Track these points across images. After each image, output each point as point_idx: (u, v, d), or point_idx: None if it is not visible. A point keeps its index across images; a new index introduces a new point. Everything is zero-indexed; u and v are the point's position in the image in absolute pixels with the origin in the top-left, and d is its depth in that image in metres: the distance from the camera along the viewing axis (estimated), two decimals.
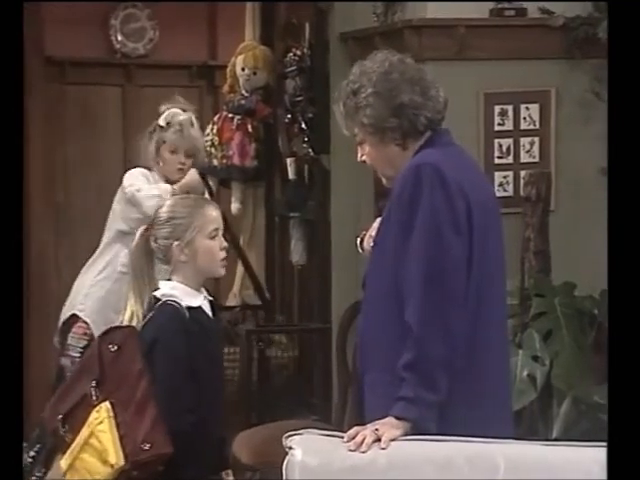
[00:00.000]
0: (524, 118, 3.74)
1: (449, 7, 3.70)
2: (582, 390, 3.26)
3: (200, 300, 2.45)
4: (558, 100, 3.74)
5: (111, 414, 2.27)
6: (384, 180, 2.26)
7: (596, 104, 3.68)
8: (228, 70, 4.72)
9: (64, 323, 3.50)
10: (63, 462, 2.32)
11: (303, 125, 4.42)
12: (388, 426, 2.03)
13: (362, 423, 2.08)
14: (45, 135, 5.38)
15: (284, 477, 1.98)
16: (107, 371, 2.33)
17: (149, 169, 3.54)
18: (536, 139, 3.74)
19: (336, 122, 4.24)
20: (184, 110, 3.60)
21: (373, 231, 2.25)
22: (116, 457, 2.25)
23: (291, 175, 4.53)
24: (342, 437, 2.04)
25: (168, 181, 3.53)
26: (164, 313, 2.40)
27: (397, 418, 2.03)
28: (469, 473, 1.96)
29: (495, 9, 3.74)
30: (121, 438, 2.26)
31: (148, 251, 2.48)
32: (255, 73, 4.63)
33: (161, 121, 3.56)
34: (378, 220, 2.25)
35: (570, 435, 3.09)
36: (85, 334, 3.45)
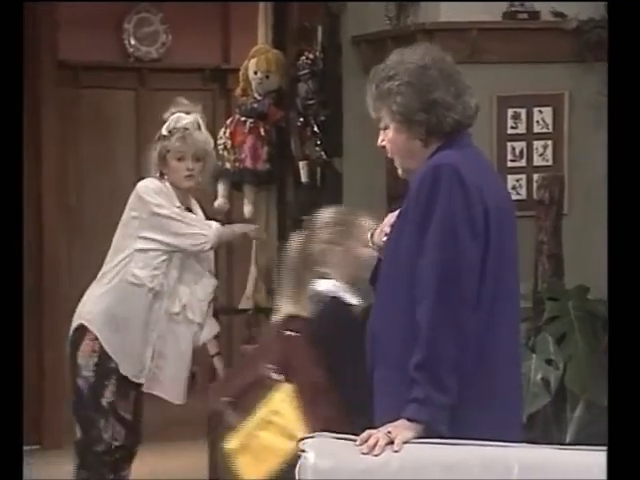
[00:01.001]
0: (537, 121, 3.73)
1: (462, 10, 3.71)
2: (595, 394, 3.25)
3: (354, 299, 2.62)
4: (571, 103, 3.74)
5: (292, 394, 2.32)
6: (399, 170, 2.25)
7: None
8: (240, 73, 4.73)
9: (73, 333, 3.41)
10: (231, 443, 2.35)
11: (315, 128, 4.42)
12: (400, 428, 2.03)
13: (372, 423, 2.08)
14: (58, 138, 5.41)
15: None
16: (284, 356, 2.40)
17: (161, 177, 3.46)
18: (549, 142, 3.74)
19: (349, 125, 4.31)
20: (188, 113, 3.49)
21: (385, 226, 2.25)
22: (303, 431, 2.26)
23: (303, 178, 4.54)
24: (355, 440, 2.04)
25: (178, 189, 3.45)
26: (336, 306, 2.57)
27: (409, 420, 2.03)
28: (482, 476, 1.95)
29: (508, 12, 3.75)
30: None
31: (307, 253, 2.64)
32: (267, 76, 4.63)
33: (164, 130, 3.47)
34: (390, 215, 2.25)
35: (584, 439, 3.08)
36: (94, 351, 3.35)
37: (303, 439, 2.03)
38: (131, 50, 5.50)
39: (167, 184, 3.44)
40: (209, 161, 3.53)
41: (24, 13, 2.17)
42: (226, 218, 5.19)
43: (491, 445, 2.00)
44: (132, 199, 3.49)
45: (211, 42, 5.62)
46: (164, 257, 3.39)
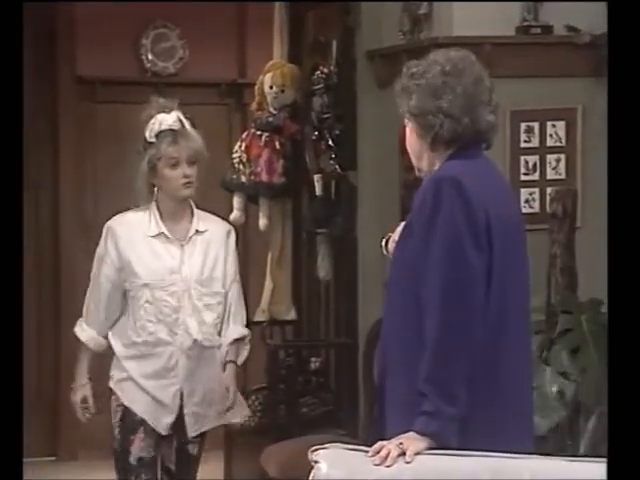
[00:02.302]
0: (550, 135, 3.74)
1: (475, 25, 3.73)
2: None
3: None
4: (584, 117, 3.75)
5: None
6: (416, 169, 2.28)
7: None
8: (256, 88, 4.76)
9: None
10: None
11: (330, 142, 4.45)
12: (412, 440, 2.04)
13: (384, 435, 2.10)
14: (76, 153, 5.46)
15: None
16: None
17: (150, 192, 3.03)
18: (562, 156, 3.75)
19: (363, 139, 4.33)
20: (167, 112, 3.05)
21: (396, 235, 2.27)
22: None
23: (318, 191, 4.56)
24: (367, 451, 2.06)
25: (173, 201, 3.04)
26: None
27: (419, 433, 2.05)
28: None
29: (521, 27, 3.76)
30: None
31: None
32: (283, 91, 4.66)
33: (148, 135, 3.00)
34: (402, 224, 2.27)
35: (598, 451, 3.08)
36: (119, 405, 3.07)
37: (316, 450, 2.05)
38: (148, 65, 5.55)
39: (155, 211, 3.04)
40: (203, 163, 3.06)
41: (37, 23, 2.18)
42: (242, 231, 5.23)
43: (502, 456, 2.01)
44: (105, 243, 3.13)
45: (227, 57, 5.66)
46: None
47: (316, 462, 2.02)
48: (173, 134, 3.02)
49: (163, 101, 3.11)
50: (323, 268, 4.56)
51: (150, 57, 5.55)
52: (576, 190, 3.67)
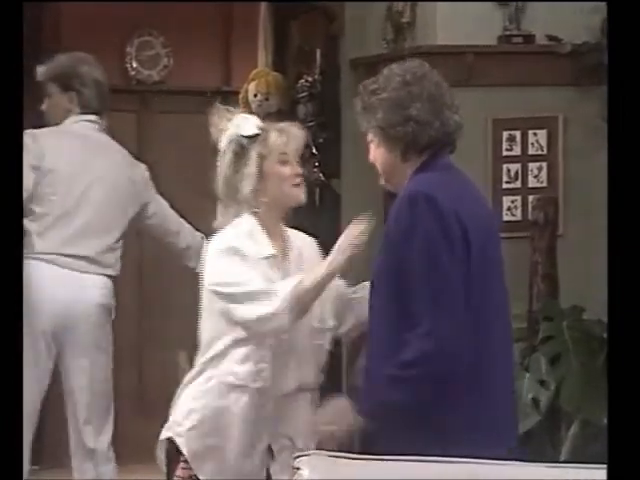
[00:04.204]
0: (532, 144, 3.78)
1: (458, 34, 3.76)
2: (590, 413, 3.27)
3: None
4: (565, 126, 3.78)
5: None
6: (381, 181, 2.30)
7: (604, 130, 3.71)
8: (241, 96, 4.78)
9: (165, 444, 2.53)
10: None
11: (314, 150, 4.47)
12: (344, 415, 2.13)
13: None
14: None
15: None
16: None
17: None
18: (544, 164, 3.78)
19: (347, 147, 4.36)
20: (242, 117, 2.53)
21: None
22: None
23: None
24: (350, 457, 2.07)
25: (283, 207, 2.47)
26: None
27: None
28: None
29: (503, 36, 3.80)
30: None
31: None
32: (267, 99, 4.68)
33: (247, 129, 2.45)
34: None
35: (578, 458, 3.10)
36: (190, 477, 2.47)
37: (298, 457, 2.06)
38: (133, 73, 5.55)
39: (256, 223, 2.45)
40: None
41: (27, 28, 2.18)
42: None
43: (482, 463, 2.03)
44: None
45: (212, 65, 5.68)
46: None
47: (298, 469, 2.03)
48: (278, 126, 2.51)
49: (230, 108, 2.60)
50: None
51: (134, 65, 5.55)
52: (557, 198, 3.70)
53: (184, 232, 3.81)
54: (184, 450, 2.46)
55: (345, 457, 2.07)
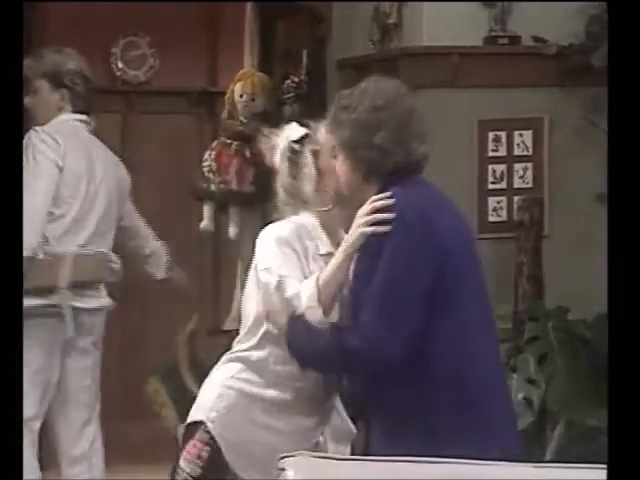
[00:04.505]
0: (517, 144, 3.79)
1: (444, 35, 3.77)
2: (576, 413, 3.29)
3: None
4: (551, 127, 3.80)
5: None
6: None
7: (589, 131, 3.73)
8: (226, 97, 4.78)
9: (187, 426, 2.52)
10: None
11: None
12: None
13: None
14: None
15: None
16: None
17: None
18: (529, 165, 3.79)
19: None
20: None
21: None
22: None
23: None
24: (335, 458, 2.07)
25: (334, 220, 2.45)
26: None
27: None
28: None
29: (489, 37, 3.81)
30: None
31: None
32: (253, 99, 4.68)
33: (293, 134, 2.53)
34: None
35: (564, 458, 3.11)
36: (199, 457, 2.47)
37: (283, 457, 2.06)
38: (119, 73, 5.54)
39: (309, 217, 2.46)
40: None
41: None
42: (212, 240, 5.22)
43: (467, 463, 2.03)
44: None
45: (198, 66, 5.67)
46: None
47: (283, 469, 2.03)
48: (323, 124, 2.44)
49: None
50: None
51: (120, 65, 5.54)
52: (543, 199, 3.71)
53: (150, 237, 3.82)
54: (213, 429, 2.46)
55: (330, 457, 2.07)
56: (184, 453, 2.50)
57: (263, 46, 4.89)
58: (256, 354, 2.47)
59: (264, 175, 4.79)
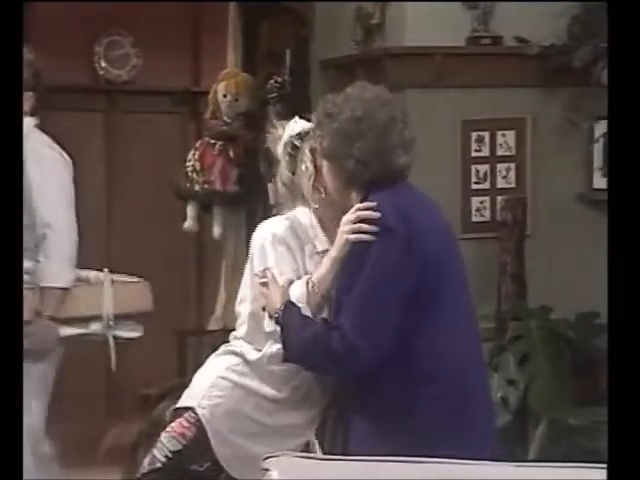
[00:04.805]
0: (500, 144, 3.80)
1: (427, 35, 3.77)
2: (558, 412, 3.30)
3: None
4: (534, 127, 3.81)
5: None
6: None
7: (571, 132, 3.75)
8: (210, 97, 4.77)
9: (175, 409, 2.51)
10: None
11: None
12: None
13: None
14: None
15: None
16: None
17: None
18: (512, 165, 3.81)
19: None
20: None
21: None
22: None
23: (272, 200, 4.57)
24: (319, 458, 2.08)
25: (329, 209, 2.42)
26: None
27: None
28: None
29: (471, 37, 3.82)
30: None
31: None
32: (237, 100, 4.68)
33: (295, 129, 2.51)
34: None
35: (546, 457, 3.13)
36: (183, 435, 2.44)
37: (267, 458, 2.06)
38: (101, 73, 5.52)
39: (313, 217, 2.46)
40: None
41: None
42: (196, 240, 5.21)
43: (451, 462, 2.04)
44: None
45: (181, 65, 5.66)
46: None
47: (267, 470, 2.03)
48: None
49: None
50: None
51: (103, 64, 5.52)
52: (526, 199, 3.73)
53: None
54: (203, 416, 2.44)
55: (314, 458, 2.08)
56: (168, 429, 2.48)
57: (246, 46, 4.89)
58: (252, 352, 2.47)
59: (247, 175, 4.80)
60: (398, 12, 3.87)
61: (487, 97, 3.78)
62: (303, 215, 2.45)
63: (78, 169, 5.64)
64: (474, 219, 3.77)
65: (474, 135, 3.79)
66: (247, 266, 2.53)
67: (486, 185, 3.80)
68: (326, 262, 2.31)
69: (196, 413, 2.46)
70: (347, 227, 2.22)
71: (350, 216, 2.21)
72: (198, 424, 2.46)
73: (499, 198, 3.74)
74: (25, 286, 2.86)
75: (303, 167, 2.44)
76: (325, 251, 2.43)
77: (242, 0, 4.78)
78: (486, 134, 3.79)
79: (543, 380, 3.33)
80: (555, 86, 3.77)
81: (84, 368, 4.96)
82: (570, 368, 3.39)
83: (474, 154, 3.80)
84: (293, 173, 2.47)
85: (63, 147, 5.63)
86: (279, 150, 2.54)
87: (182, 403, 2.52)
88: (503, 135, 3.80)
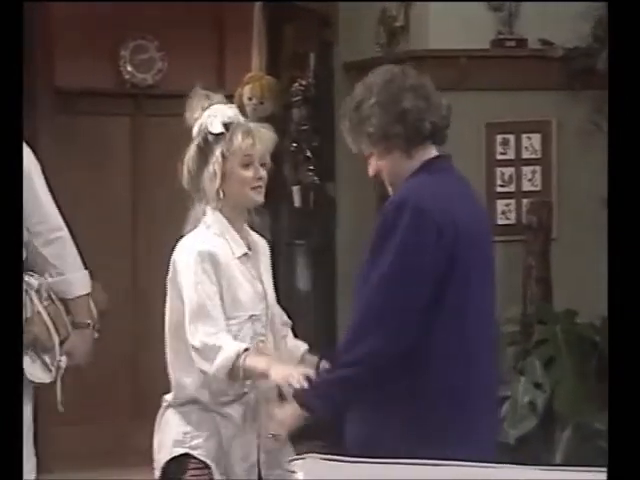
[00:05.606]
0: (526, 147, 3.79)
1: (450, 38, 3.77)
2: (584, 416, 3.28)
3: None
4: (559, 130, 3.80)
5: None
6: (389, 190, 2.28)
7: (596, 134, 3.73)
8: (235, 100, 4.79)
9: (169, 462, 2.38)
10: None
11: (308, 153, 4.49)
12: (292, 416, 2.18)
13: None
14: (55, 165, 5.45)
15: None
16: None
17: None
18: (538, 168, 3.80)
19: (341, 150, 4.38)
20: (223, 103, 2.46)
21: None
22: None
23: (297, 203, 4.59)
24: (344, 460, 2.08)
25: (240, 209, 2.41)
26: None
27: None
28: None
29: (496, 40, 3.81)
30: None
31: None
32: (261, 102, 4.69)
33: (213, 126, 2.38)
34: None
35: (572, 461, 3.11)
36: None
37: (292, 460, 2.07)
38: (127, 77, 5.56)
39: (220, 220, 2.40)
40: (268, 168, 2.46)
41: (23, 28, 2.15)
42: None
43: (475, 466, 2.03)
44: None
45: (206, 69, 5.68)
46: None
47: (293, 472, 2.04)
48: (246, 127, 2.40)
49: (210, 93, 2.48)
50: (302, 279, 4.58)
51: (129, 68, 5.56)
52: (551, 202, 3.71)
53: None
54: (202, 456, 2.37)
55: (339, 460, 2.08)
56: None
57: (271, 49, 4.91)
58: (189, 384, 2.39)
59: (272, 178, 4.81)
60: (422, 14, 3.87)
61: (511, 100, 3.77)
62: (217, 220, 2.38)
63: (104, 172, 5.70)
64: (499, 222, 3.76)
65: (499, 138, 3.78)
66: (170, 281, 2.42)
67: (511, 188, 3.79)
68: (264, 368, 2.28)
69: (196, 457, 2.37)
70: (286, 377, 2.21)
71: (290, 377, 2.19)
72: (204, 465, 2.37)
73: (524, 201, 3.73)
74: (45, 304, 2.67)
75: (210, 169, 2.37)
76: (244, 255, 2.38)
77: (266, 0, 4.80)
78: (511, 137, 3.79)
79: (569, 384, 3.31)
80: (579, 88, 3.75)
81: (110, 371, 4.99)
82: (596, 372, 3.37)
83: (499, 157, 3.80)
84: (197, 167, 2.40)
85: (89, 151, 5.68)
86: (193, 130, 2.44)
87: (171, 454, 2.40)
88: (528, 138, 3.79)
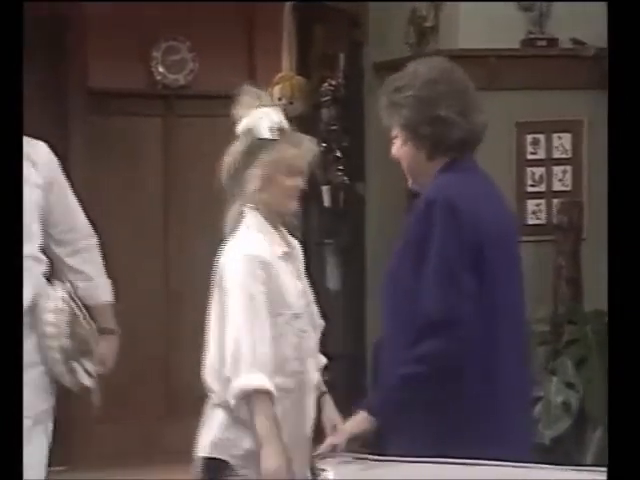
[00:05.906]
0: (556, 147, 3.78)
1: (480, 37, 3.77)
2: None
3: None
4: (590, 130, 3.78)
5: None
6: (409, 181, 2.28)
7: None
8: None
9: (203, 464, 2.34)
10: None
11: (338, 153, 4.50)
12: (354, 422, 2.16)
13: None
14: (87, 165, 5.51)
15: None
16: None
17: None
18: (568, 168, 3.78)
19: (370, 150, 4.38)
20: (269, 106, 2.40)
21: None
22: None
23: (326, 202, 4.60)
24: (374, 459, 2.09)
25: (276, 213, 2.38)
26: None
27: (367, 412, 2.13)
28: None
29: (526, 39, 3.80)
30: None
31: None
32: (292, 102, 4.71)
33: (260, 130, 2.34)
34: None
35: (604, 461, 3.10)
36: None
37: (323, 458, 2.08)
38: (159, 77, 5.59)
39: (260, 220, 2.39)
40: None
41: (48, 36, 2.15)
42: None
43: (510, 466, 2.03)
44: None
45: (237, 69, 5.70)
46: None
47: (323, 470, 2.05)
48: (294, 137, 2.40)
49: (260, 92, 2.45)
50: (332, 279, 4.59)
51: (161, 69, 5.59)
52: (582, 202, 3.70)
53: None
54: (243, 471, 2.34)
55: (370, 459, 2.09)
56: None
57: (301, 49, 4.92)
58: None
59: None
60: (452, 14, 3.87)
61: (542, 99, 3.75)
62: (257, 220, 2.38)
63: (136, 173, 5.73)
64: (530, 222, 3.75)
65: (529, 137, 3.77)
66: (217, 288, 2.36)
67: (542, 188, 3.78)
68: (266, 440, 2.25)
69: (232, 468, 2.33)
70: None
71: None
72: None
73: (555, 201, 3.71)
74: (75, 311, 2.61)
75: (254, 172, 2.35)
76: (285, 254, 2.39)
77: (297, 0, 4.82)
78: (542, 136, 3.77)
79: (599, 385, 3.30)
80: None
81: (141, 371, 5.03)
82: None
83: (529, 156, 3.78)
84: (241, 167, 2.37)
85: (121, 151, 5.72)
86: (239, 127, 2.40)
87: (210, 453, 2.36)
88: (559, 138, 3.77)
